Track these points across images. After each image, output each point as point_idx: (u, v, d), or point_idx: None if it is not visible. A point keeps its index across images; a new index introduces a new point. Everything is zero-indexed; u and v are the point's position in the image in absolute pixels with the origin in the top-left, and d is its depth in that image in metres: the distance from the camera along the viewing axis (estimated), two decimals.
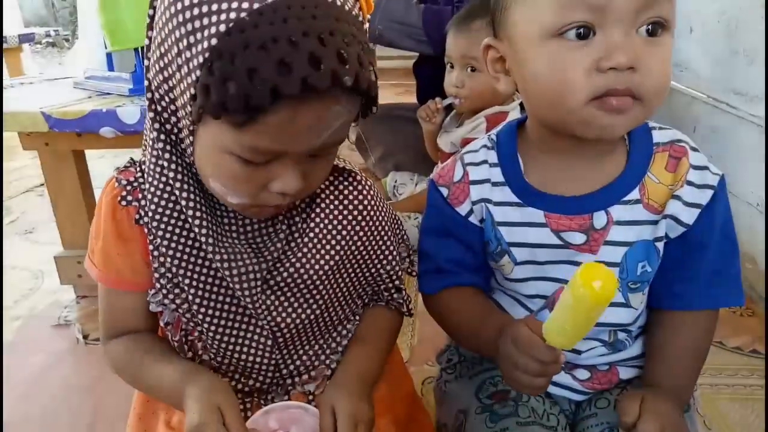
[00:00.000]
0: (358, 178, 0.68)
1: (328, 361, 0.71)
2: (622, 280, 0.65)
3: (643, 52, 0.53)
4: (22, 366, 1.17)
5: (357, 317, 0.75)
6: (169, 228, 0.61)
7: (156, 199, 0.60)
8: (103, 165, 2.42)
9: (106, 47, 1.11)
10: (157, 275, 0.63)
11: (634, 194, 0.62)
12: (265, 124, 0.48)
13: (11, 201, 2.12)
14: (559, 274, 0.66)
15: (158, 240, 0.61)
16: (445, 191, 0.70)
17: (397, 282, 0.74)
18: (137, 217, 0.62)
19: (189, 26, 0.48)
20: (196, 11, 0.48)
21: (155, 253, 0.62)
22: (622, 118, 0.56)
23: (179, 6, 0.49)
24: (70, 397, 1.08)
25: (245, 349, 0.66)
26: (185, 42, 0.49)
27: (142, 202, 0.62)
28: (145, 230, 0.62)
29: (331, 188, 0.67)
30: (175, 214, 0.61)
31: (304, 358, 0.70)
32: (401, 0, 1.67)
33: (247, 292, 0.62)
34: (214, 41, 0.47)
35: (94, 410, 1.04)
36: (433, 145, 1.59)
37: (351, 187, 0.67)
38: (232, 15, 0.46)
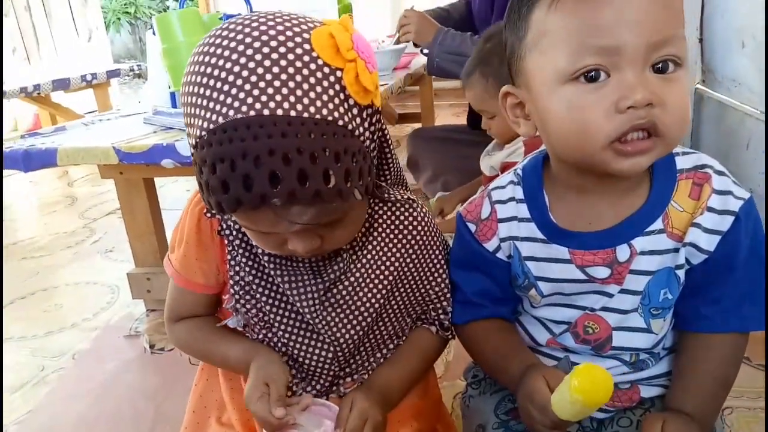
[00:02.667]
0: (414, 206, 0.73)
1: (371, 369, 0.76)
2: (644, 306, 0.65)
3: (658, 88, 0.54)
4: (97, 371, 1.31)
5: (404, 335, 0.78)
6: (243, 244, 0.68)
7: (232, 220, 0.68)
8: (178, 188, 2.63)
9: (170, 87, 1.24)
10: (232, 282, 0.70)
11: (658, 224, 0.62)
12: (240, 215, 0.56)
13: (96, 222, 2.34)
14: (586, 302, 0.67)
15: (235, 251, 0.68)
16: (473, 227, 0.72)
17: (444, 303, 0.76)
18: (219, 228, 0.69)
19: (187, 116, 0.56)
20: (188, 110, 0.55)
21: (232, 262, 0.69)
22: (642, 159, 0.56)
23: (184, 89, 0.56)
24: (136, 400, 1.20)
25: (308, 358, 0.71)
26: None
27: (225, 217, 0.69)
28: (225, 241, 0.69)
29: (389, 213, 0.71)
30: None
31: (360, 369, 0.75)
32: (456, 34, 1.76)
33: (306, 309, 0.68)
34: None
35: (156, 413, 1.14)
36: None
37: (407, 214, 0.71)
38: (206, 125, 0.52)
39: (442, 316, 0.77)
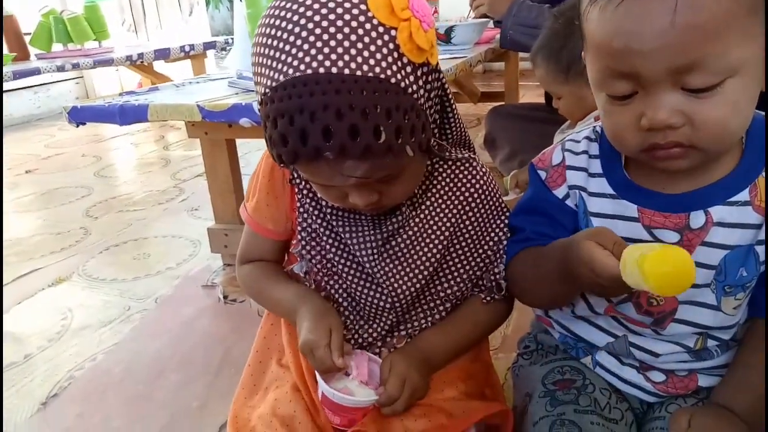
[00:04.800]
0: (474, 164, 0.73)
1: (425, 327, 0.77)
2: (718, 283, 0.62)
3: (688, 107, 0.52)
4: (176, 315, 1.42)
5: (458, 300, 0.78)
6: (310, 193, 0.73)
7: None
8: (260, 155, 2.74)
9: None
10: (299, 228, 0.74)
11: (743, 195, 0.59)
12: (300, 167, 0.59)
13: (185, 183, 2.49)
14: None
15: (304, 199, 0.73)
16: (543, 174, 0.71)
17: (501, 265, 0.76)
18: (291, 178, 0.73)
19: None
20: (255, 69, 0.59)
21: (300, 209, 0.73)
22: (678, 162, 0.56)
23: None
24: (208, 343, 1.29)
25: (367, 305, 0.74)
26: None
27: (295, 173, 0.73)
28: (296, 190, 0.73)
29: (448, 171, 0.73)
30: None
31: (415, 324, 0.77)
32: (533, 6, 1.70)
33: (366, 258, 0.71)
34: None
35: (224, 356, 1.23)
36: None
37: (466, 172, 0.73)
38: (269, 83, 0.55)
39: (498, 277, 0.77)
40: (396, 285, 0.72)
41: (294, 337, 0.79)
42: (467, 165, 0.73)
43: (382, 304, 0.74)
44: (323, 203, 0.71)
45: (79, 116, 1.32)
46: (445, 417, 0.72)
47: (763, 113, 0.61)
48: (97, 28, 3.23)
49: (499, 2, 1.75)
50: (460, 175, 0.73)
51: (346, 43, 0.53)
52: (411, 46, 0.56)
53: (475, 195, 0.73)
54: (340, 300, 0.76)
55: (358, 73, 0.53)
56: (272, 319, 0.86)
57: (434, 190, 0.72)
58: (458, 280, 0.76)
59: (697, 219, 0.60)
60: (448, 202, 0.72)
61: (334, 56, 0.53)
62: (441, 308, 0.77)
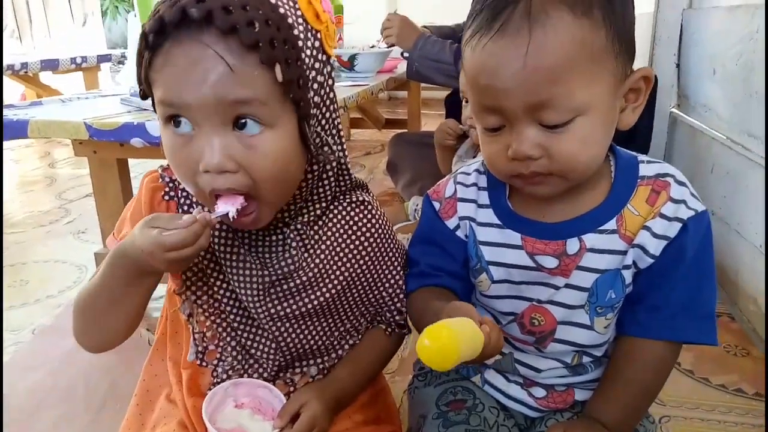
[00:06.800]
0: (370, 207, 0.73)
1: (321, 366, 0.75)
2: (591, 304, 0.67)
3: (545, 140, 0.58)
4: (55, 347, 1.31)
5: (358, 335, 0.78)
6: None
7: (191, 201, 0.68)
8: None
9: None
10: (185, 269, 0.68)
11: (611, 224, 0.64)
12: (158, 66, 0.54)
13: (72, 204, 2.33)
14: (533, 294, 0.69)
15: None
16: (437, 205, 0.74)
17: (399, 305, 0.77)
18: (178, 213, 0.67)
19: None
20: None
21: None
22: (542, 188, 0.62)
23: None
24: (91, 375, 1.20)
25: (253, 347, 0.71)
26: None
27: (182, 201, 0.69)
28: None
29: (343, 213, 0.71)
30: None
31: (310, 363, 0.75)
32: (437, 41, 1.79)
33: (249, 298, 0.68)
34: None
35: (109, 387, 1.15)
36: (447, 166, 1.66)
37: (362, 215, 0.72)
38: None
39: (397, 317, 0.77)
40: (283, 329, 0.70)
41: (178, 368, 0.75)
42: (362, 208, 0.72)
43: (267, 345, 0.71)
44: (213, 239, 0.67)
45: None
46: None
47: (636, 154, 0.68)
48: None
49: (406, 36, 1.83)
50: (356, 218, 0.71)
51: None
52: (311, 12, 0.59)
53: (371, 239, 0.72)
54: (228, 339, 0.72)
55: None
56: (160, 345, 0.80)
57: (329, 233, 0.70)
58: (353, 320, 0.76)
59: (572, 245, 0.65)
60: (343, 245, 0.71)
61: None
62: (339, 348, 0.76)
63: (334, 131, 0.68)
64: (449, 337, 0.51)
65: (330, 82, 0.64)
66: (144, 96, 0.59)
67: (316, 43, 0.61)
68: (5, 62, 2.89)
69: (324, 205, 0.69)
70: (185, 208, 0.69)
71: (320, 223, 0.70)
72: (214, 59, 0.53)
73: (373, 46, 2.21)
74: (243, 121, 0.56)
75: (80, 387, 1.16)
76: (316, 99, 0.62)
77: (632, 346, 0.68)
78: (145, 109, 1.24)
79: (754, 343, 1.26)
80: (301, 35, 0.59)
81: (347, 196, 0.72)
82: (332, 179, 0.68)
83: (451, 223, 0.73)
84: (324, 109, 0.64)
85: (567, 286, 0.67)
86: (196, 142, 0.56)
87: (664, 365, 0.68)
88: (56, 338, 1.35)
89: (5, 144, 3.21)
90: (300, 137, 0.60)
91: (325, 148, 0.65)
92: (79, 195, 2.44)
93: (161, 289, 0.73)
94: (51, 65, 3.08)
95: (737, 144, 1.44)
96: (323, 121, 0.64)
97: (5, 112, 1.26)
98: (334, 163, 0.68)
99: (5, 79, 3.28)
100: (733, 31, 1.49)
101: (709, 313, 0.66)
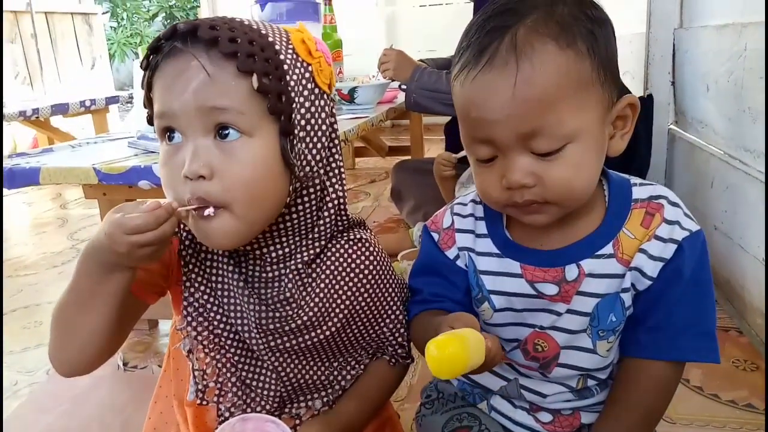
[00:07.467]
0: (367, 244, 0.73)
1: (326, 399, 0.76)
2: (592, 328, 0.68)
3: (537, 168, 0.59)
4: (69, 387, 1.32)
5: (361, 366, 0.78)
6: (199, 263, 0.70)
7: (192, 237, 0.69)
8: None
9: None
10: (185, 303, 0.70)
11: (608, 249, 0.65)
12: (155, 82, 0.60)
13: (83, 244, 2.36)
14: (536, 320, 0.70)
15: (191, 273, 0.70)
16: (436, 236, 0.75)
17: (400, 339, 0.77)
18: (180, 248, 0.70)
19: None
20: None
21: (187, 284, 0.70)
22: (538, 216, 0.63)
23: None
24: (104, 414, 1.21)
25: (254, 381, 0.73)
26: None
27: (183, 235, 0.70)
28: (182, 262, 0.70)
29: (341, 251, 0.71)
30: (202, 255, 0.70)
31: (308, 398, 0.76)
32: (433, 72, 1.83)
33: (248, 333, 0.69)
34: None
35: (122, 427, 1.16)
36: (450, 195, 1.69)
37: (359, 252, 0.72)
38: None
39: (399, 350, 0.78)
40: (285, 364, 0.71)
41: (182, 407, 0.75)
42: (360, 245, 0.72)
43: (267, 379, 0.72)
44: (212, 276, 0.69)
45: None
46: None
47: (629, 177, 0.69)
48: None
49: (403, 68, 1.88)
50: (353, 255, 0.72)
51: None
52: (304, 49, 0.63)
53: (369, 277, 0.72)
54: (228, 375, 0.72)
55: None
56: (164, 383, 0.81)
57: (327, 272, 0.70)
58: (354, 354, 0.77)
59: (571, 272, 0.66)
60: (342, 283, 0.71)
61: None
62: (336, 387, 0.77)
63: (333, 165, 0.69)
64: (456, 345, 0.52)
65: (323, 115, 0.65)
66: (150, 121, 0.63)
67: (306, 74, 0.63)
68: (18, 109, 2.97)
69: (323, 243, 0.70)
70: (186, 243, 0.71)
71: (318, 261, 0.70)
72: (197, 69, 0.57)
73: (373, 76, 2.26)
74: (226, 132, 0.58)
75: (93, 428, 1.18)
76: (303, 122, 0.63)
77: (635, 367, 0.68)
78: (151, 152, 1.28)
79: (762, 357, 1.25)
80: (288, 61, 0.61)
81: (345, 234, 0.73)
82: (331, 218, 0.70)
83: (450, 253, 0.74)
84: (315, 140, 0.64)
85: (568, 311, 0.68)
86: (182, 151, 0.59)
87: (668, 385, 0.68)
88: (70, 379, 1.36)
89: (18, 189, 3.27)
90: (282, 154, 0.61)
91: (307, 169, 0.64)
92: (91, 234, 2.44)
93: (166, 327, 0.75)
94: (61, 109, 3.15)
95: (735, 159, 1.45)
96: (314, 151, 0.65)
97: (18, 160, 1.31)
98: (333, 203, 0.69)
99: (18, 124, 3.37)
100: (723, 49, 1.51)
101: (710, 331, 0.66)
